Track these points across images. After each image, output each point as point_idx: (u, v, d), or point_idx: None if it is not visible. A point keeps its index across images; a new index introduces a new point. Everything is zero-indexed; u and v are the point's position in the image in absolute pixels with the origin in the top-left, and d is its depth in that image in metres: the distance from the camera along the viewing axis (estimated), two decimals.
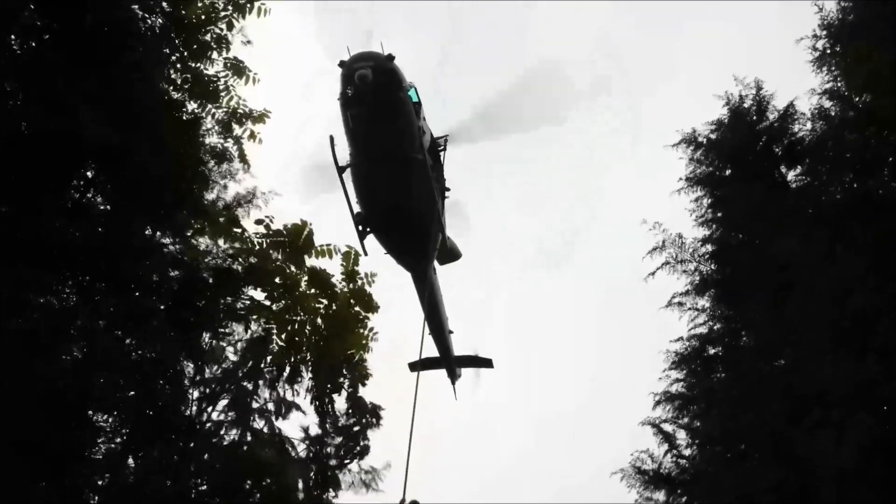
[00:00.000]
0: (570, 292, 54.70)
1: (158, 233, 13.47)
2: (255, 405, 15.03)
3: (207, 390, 14.29)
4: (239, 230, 15.45)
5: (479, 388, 21.57)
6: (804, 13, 14.55)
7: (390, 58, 12.17)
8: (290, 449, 15.29)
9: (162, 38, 13.90)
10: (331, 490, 15.25)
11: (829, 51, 14.24)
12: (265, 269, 15.68)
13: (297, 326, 16.39)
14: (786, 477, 11.65)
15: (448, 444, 38.27)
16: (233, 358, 15.00)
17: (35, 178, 11.21)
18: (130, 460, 12.51)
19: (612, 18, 49.89)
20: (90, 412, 11.54)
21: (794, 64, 14.72)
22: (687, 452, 15.00)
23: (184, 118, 14.53)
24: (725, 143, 16.08)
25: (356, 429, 16.16)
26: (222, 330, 14.56)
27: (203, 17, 14.90)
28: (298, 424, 15.79)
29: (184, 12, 14.40)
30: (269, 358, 15.75)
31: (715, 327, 15.49)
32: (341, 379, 16.49)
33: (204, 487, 13.17)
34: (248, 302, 15.32)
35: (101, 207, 12.88)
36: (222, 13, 15.08)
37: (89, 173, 12.81)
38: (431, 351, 17.88)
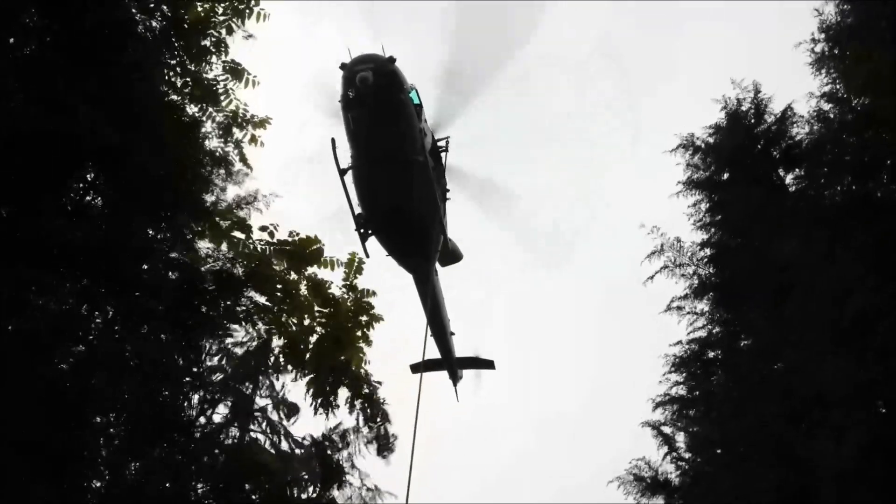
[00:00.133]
0: (570, 293, 54.76)
1: (160, 236, 13.43)
2: (255, 405, 14.98)
3: (208, 396, 14.23)
4: (244, 236, 15.35)
5: (480, 389, 21.65)
6: (804, 13, 14.60)
7: (391, 60, 12.21)
8: (290, 449, 15.22)
9: (162, 40, 13.87)
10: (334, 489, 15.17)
11: (827, 53, 14.29)
12: (266, 273, 15.61)
13: (295, 329, 16.36)
14: (786, 477, 11.68)
15: (449, 444, 38.29)
16: (237, 352, 14.97)
17: (35, 178, 11.15)
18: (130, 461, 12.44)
19: (612, 18, 49.98)
20: (90, 412, 11.46)
21: (794, 64, 14.77)
22: (687, 455, 15.02)
23: (184, 120, 14.49)
24: (723, 147, 16.15)
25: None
26: (222, 332, 14.50)
27: (202, 23, 14.83)
28: (299, 426, 15.77)
29: (185, 16, 14.36)
30: (270, 360, 15.71)
31: (714, 331, 15.53)
32: (340, 388, 16.45)
33: (204, 488, 13.11)
34: (249, 305, 15.26)
35: (101, 208, 12.84)
36: (221, 17, 15.05)
37: (89, 175, 12.78)
38: (433, 353, 17.92)
